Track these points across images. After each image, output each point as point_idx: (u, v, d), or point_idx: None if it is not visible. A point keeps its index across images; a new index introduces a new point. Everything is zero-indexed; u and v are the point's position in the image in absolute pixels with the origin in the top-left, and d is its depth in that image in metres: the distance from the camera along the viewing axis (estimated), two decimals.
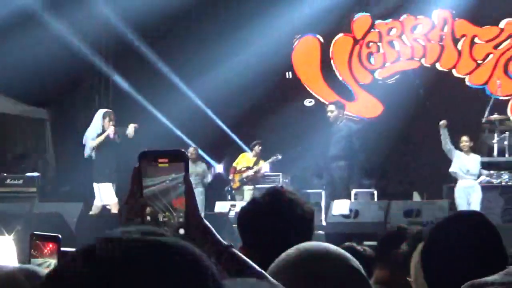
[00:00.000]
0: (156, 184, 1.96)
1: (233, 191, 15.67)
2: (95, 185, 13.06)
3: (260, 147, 15.56)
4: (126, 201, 1.99)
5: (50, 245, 2.78)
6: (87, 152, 13.23)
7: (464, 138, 13.26)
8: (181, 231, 1.95)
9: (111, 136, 12.94)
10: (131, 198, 1.97)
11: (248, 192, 15.19)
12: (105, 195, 12.92)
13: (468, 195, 12.85)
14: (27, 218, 11.23)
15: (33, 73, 15.17)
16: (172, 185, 1.96)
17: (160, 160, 1.94)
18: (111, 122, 12.95)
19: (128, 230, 1.24)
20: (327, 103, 14.37)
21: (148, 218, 1.95)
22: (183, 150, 1.99)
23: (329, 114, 12.82)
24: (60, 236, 2.73)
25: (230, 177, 15.80)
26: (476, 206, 12.48)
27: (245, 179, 15.52)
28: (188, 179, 1.93)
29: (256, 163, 15.57)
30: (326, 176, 13.65)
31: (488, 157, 13.93)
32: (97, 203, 13.07)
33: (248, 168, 15.58)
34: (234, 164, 15.83)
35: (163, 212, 1.96)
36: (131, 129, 13.07)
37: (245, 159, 15.77)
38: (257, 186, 15.07)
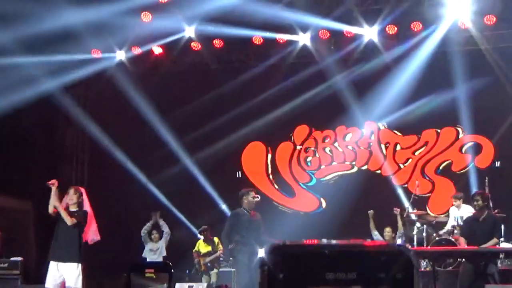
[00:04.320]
0: None
1: (200, 274, 15.91)
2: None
3: (208, 233, 16.06)
4: None
5: None
6: None
7: (387, 229, 14.56)
8: None
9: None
10: None
11: (214, 274, 15.76)
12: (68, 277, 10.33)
13: None
14: None
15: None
16: None
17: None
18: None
19: None
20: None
21: None
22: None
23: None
24: None
25: (195, 261, 16.11)
26: None
27: (209, 263, 15.93)
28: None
29: (214, 248, 15.98)
30: None
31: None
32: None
33: (209, 252, 16.01)
34: (195, 250, 16.17)
35: None
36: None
37: (202, 245, 16.19)
38: (220, 269, 15.59)
